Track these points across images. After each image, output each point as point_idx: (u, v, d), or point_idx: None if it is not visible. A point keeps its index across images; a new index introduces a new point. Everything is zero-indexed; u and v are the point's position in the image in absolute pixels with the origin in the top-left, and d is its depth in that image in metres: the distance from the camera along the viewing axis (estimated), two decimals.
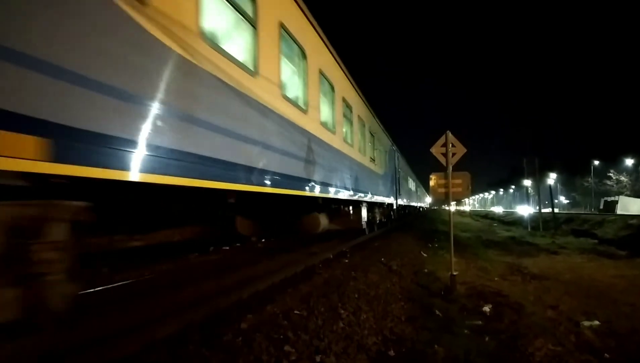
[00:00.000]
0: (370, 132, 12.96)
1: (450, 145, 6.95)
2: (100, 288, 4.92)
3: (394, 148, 20.11)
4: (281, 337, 3.65)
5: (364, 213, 11.30)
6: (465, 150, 6.96)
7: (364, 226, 11.60)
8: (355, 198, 10.14)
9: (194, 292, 4.90)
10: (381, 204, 15.21)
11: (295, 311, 4.39)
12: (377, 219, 14.50)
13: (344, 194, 9.03)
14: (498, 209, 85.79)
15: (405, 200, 24.77)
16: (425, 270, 8.30)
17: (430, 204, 73.35)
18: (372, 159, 13.21)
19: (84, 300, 4.48)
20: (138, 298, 4.64)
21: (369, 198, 11.77)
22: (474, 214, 63.14)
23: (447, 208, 7.87)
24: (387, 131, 17.58)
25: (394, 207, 19.14)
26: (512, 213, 53.73)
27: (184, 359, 3.05)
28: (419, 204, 40.73)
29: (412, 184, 31.69)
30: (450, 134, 6.97)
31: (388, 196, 16.35)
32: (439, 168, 7.18)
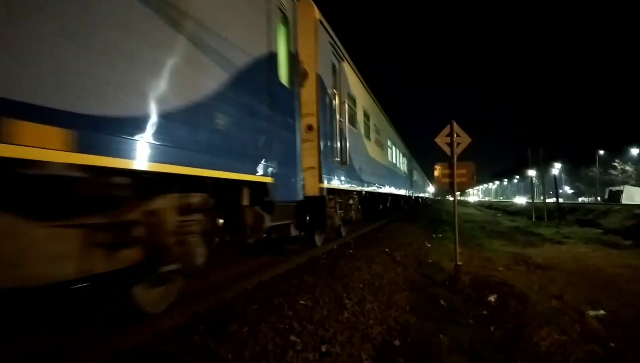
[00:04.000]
0: None
1: (455, 135, 6.90)
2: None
3: (340, 51, 9.03)
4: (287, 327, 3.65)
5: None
6: (470, 140, 6.90)
7: None
8: None
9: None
10: (229, 189, 4.29)
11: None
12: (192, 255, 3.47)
13: None
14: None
15: (381, 184, 13.76)
16: (430, 260, 8.30)
17: (434, 194, 73.05)
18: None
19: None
20: None
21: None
22: (477, 205, 62.74)
23: (451, 198, 7.87)
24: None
25: (326, 205, 7.30)
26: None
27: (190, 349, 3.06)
28: (416, 194, 31.96)
29: (402, 162, 21.73)
30: (455, 124, 6.91)
31: (290, 163, 5.71)
32: (442, 160, 7.14)
